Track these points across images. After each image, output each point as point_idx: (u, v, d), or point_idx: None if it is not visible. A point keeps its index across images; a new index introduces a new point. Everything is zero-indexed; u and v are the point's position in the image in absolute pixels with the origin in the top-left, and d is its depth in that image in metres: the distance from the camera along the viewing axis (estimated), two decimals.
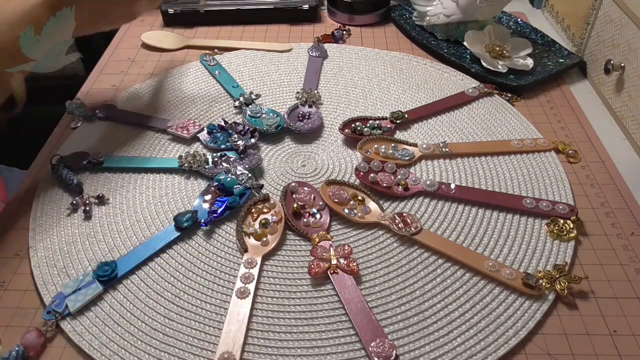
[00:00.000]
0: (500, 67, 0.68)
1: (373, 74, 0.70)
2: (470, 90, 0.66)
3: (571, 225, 0.49)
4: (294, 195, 0.51)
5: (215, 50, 0.75)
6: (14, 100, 0.50)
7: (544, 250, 0.48)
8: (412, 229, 0.48)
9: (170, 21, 0.80)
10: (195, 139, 0.59)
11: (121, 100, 0.65)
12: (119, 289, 0.45)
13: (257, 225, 0.49)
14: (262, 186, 0.54)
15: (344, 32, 0.78)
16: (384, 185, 0.53)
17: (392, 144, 0.58)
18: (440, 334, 0.42)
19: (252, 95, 0.64)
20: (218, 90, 0.67)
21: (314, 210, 0.50)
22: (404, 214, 0.50)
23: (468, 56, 0.72)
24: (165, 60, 0.73)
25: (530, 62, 0.69)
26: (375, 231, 0.50)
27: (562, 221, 0.50)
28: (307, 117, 0.62)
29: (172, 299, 0.44)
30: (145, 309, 0.43)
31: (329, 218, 0.50)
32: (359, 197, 0.51)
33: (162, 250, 0.48)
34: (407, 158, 0.56)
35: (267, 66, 0.71)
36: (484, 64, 0.68)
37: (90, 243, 0.48)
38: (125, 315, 0.43)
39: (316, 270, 0.45)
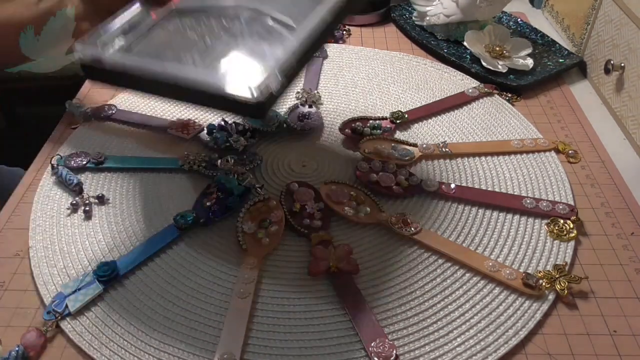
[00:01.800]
0: (500, 67, 0.68)
1: (373, 74, 0.70)
2: (470, 90, 0.66)
3: (571, 225, 0.49)
4: (294, 195, 0.51)
5: None
6: None
7: (544, 250, 0.48)
8: (412, 229, 0.48)
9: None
10: (195, 139, 0.59)
11: (121, 100, 0.65)
12: (119, 289, 0.45)
13: (257, 225, 0.49)
14: (262, 186, 0.54)
15: (344, 32, 0.78)
16: (384, 185, 0.53)
17: (392, 144, 0.58)
18: (440, 334, 0.42)
19: None
20: None
21: (314, 210, 0.50)
22: (404, 214, 0.50)
23: (468, 56, 0.72)
24: None
25: (530, 62, 0.69)
26: (375, 231, 0.49)
27: (562, 221, 0.50)
28: (307, 117, 0.62)
29: (172, 299, 0.44)
30: (145, 309, 0.43)
31: (329, 218, 0.50)
32: (359, 197, 0.51)
33: (162, 250, 0.48)
34: (407, 158, 0.56)
35: None
36: (484, 64, 0.68)
37: (90, 243, 0.48)
38: (125, 315, 0.43)
39: (316, 270, 0.45)
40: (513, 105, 0.65)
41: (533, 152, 0.58)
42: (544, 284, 0.44)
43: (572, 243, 0.48)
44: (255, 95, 0.35)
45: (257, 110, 0.36)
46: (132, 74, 0.39)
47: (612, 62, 0.64)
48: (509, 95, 0.66)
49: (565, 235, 0.49)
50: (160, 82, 0.38)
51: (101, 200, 0.52)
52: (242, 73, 0.38)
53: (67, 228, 0.49)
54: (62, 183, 0.53)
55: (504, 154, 0.58)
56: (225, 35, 0.42)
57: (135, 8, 0.44)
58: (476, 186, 0.54)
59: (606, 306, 0.44)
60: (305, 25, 0.40)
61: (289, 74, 0.38)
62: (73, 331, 0.41)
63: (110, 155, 0.57)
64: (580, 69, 0.72)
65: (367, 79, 0.69)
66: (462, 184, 0.54)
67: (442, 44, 0.75)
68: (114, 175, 0.55)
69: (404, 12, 0.82)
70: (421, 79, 0.69)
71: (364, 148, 0.56)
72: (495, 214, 0.51)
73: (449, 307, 0.43)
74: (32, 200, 0.52)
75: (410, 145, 0.58)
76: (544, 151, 0.58)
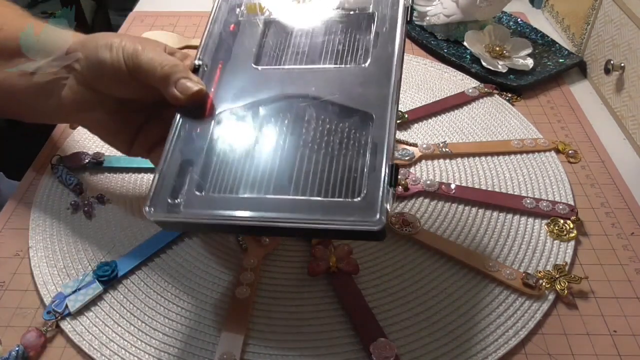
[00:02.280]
0: (500, 67, 0.68)
1: None
2: (470, 90, 0.66)
3: (571, 225, 0.49)
4: None
5: None
6: None
7: (544, 250, 0.48)
8: (412, 229, 0.48)
9: None
10: None
11: None
12: (119, 289, 0.45)
13: None
14: None
15: None
16: None
17: None
18: (441, 334, 0.42)
19: None
20: None
21: None
22: (404, 214, 0.50)
23: (468, 56, 0.72)
24: None
25: (530, 62, 0.69)
26: None
27: (562, 221, 0.50)
28: None
29: (172, 299, 0.44)
30: (145, 309, 0.43)
31: None
32: None
33: (162, 250, 0.48)
34: (407, 158, 0.56)
35: None
36: (484, 64, 0.68)
37: (90, 243, 0.48)
38: (125, 315, 0.43)
39: (316, 270, 0.45)
40: (513, 105, 0.65)
41: (533, 152, 0.58)
42: (544, 284, 0.44)
43: (572, 243, 0.48)
44: (377, 227, 0.32)
45: (379, 234, 0.32)
46: (221, 223, 0.35)
47: (612, 62, 0.64)
48: (509, 95, 0.66)
49: (565, 235, 0.49)
50: (259, 227, 0.34)
51: (101, 200, 0.52)
52: (351, 202, 0.33)
53: (67, 228, 0.49)
54: (62, 183, 0.53)
55: (504, 154, 0.58)
56: (302, 147, 0.35)
57: (180, 127, 0.38)
58: (476, 186, 0.54)
59: (606, 306, 0.44)
60: (384, 112, 0.35)
61: (394, 181, 0.33)
62: (73, 331, 0.41)
63: (110, 155, 0.57)
64: (580, 69, 0.72)
65: None
66: (462, 184, 0.54)
67: (442, 44, 0.75)
68: (114, 175, 0.55)
69: None
70: (421, 79, 0.69)
71: None
72: (495, 214, 0.51)
73: (449, 307, 0.43)
74: (32, 200, 0.52)
75: (410, 145, 0.58)
76: (544, 151, 0.58)
